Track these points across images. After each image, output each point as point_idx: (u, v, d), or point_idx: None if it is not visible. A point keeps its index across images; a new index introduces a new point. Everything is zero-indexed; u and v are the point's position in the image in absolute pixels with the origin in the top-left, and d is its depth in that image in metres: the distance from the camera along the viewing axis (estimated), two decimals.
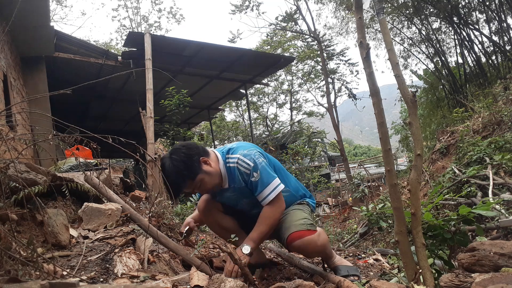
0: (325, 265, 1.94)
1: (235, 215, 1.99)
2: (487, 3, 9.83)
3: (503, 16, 9.50)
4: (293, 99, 21.93)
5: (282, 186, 1.71)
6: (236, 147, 1.79)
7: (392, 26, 12.41)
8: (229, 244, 1.61)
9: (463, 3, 10.32)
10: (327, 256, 1.87)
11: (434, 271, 1.39)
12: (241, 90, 10.02)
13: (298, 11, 15.63)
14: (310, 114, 21.74)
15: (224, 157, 1.79)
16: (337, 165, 23.11)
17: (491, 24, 10.12)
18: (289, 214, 1.81)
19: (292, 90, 21.47)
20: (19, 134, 2.81)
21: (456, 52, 10.87)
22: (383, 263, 2.45)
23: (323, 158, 23.23)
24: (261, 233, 1.70)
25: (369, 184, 12.20)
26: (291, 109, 21.97)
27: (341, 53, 17.76)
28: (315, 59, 18.08)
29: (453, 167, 5.03)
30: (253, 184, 1.70)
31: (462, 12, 10.24)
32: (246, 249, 1.66)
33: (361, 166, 18.04)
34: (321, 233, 1.74)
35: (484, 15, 10.25)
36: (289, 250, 1.88)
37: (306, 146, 13.98)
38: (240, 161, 1.69)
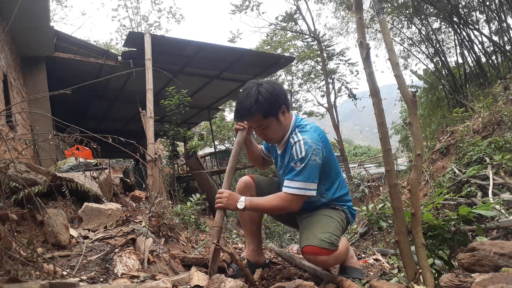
0: None
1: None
2: (487, 3, 9.83)
3: (503, 16, 9.50)
4: (293, 99, 21.93)
5: (309, 193, 1.63)
6: (307, 130, 1.70)
7: (392, 26, 12.41)
8: (229, 244, 1.61)
9: (463, 3, 10.32)
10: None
11: (434, 271, 1.39)
12: (241, 90, 10.01)
13: (298, 11, 15.63)
14: (310, 114, 21.73)
15: (294, 128, 1.74)
16: None
17: (491, 24, 10.13)
18: (317, 217, 1.75)
19: (292, 90, 21.46)
20: (19, 134, 2.81)
21: (456, 52, 10.88)
22: (383, 263, 2.45)
23: None
24: (259, 205, 1.68)
25: (369, 184, 12.21)
26: (291, 109, 21.93)
27: (341, 53, 17.76)
28: (315, 59, 18.07)
29: (453, 167, 5.03)
30: (290, 168, 1.65)
31: (462, 12, 10.24)
32: (241, 204, 1.65)
33: (361, 166, 18.05)
34: (339, 254, 1.67)
35: (484, 15, 10.25)
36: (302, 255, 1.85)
37: None
38: (298, 143, 1.63)
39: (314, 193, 1.64)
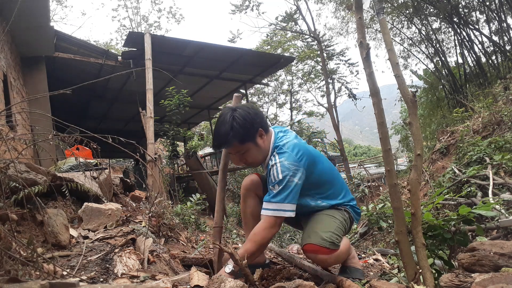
0: None
1: None
2: (487, 3, 9.84)
3: (503, 16, 9.50)
4: (293, 99, 21.93)
5: (286, 214, 1.61)
6: (284, 152, 1.66)
7: (392, 26, 12.41)
8: (229, 244, 1.61)
9: (463, 3, 10.33)
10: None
11: (434, 271, 1.39)
12: (241, 90, 10.02)
13: (298, 11, 15.63)
14: (310, 114, 21.73)
15: (273, 149, 1.72)
16: (337, 165, 23.10)
17: (491, 24, 10.13)
18: (320, 216, 1.74)
19: (292, 90, 21.47)
20: (19, 134, 2.81)
21: (456, 52, 10.88)
22: (383, 263, 2.45)
23: None
24: (247, 251, 1.57)
25: (369, 184, 12.21)
26: (291, 109, 21.97)
27: (341, 53, 17.76)
28: (315, 59, 18.07)
29: (453, 167, 5.03)
30: (269, 190, 1.65)
31: (462, 12, 10.25)
32: (228, 268, 1.56)
33: (361, 166, 18.05)
34: (340, 254, 1.66)
35: (484, 15, 10.25)
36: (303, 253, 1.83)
37: None
38: (275, 167, 1.62)
39: (291, 214, 1.62)
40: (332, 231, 1.65)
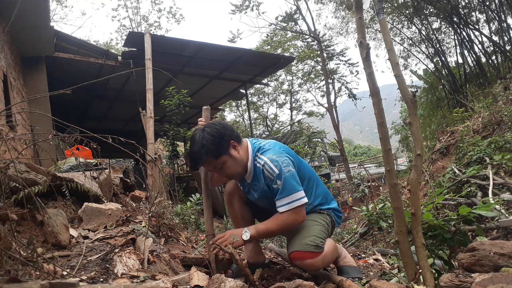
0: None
1: (255, 208, 1.99)
2: (487, 3, 9.84)
3: (503, 16, 9.50)
4: (293, 99, 21.94)
5: (305, 200, 1.65)
6: (267, 149, 1.74)
7: (392, 26, 12.41)
8: (229, 245, 1.61)
9: (463, 3, 10.33)
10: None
11: (434, 271, 1.39)
12: (241, 90, 10.02)
13: (298, 11, 15.63)
14: (310, 114, 21.74)
15: (254, 154, 1.76)
16: (337, 165, 23.11)
17: (491, 24, 10.13)
18: (302, 224, 1.75)
19: (292, 90, 21.46)
20: (19, 134, 2.81)
21: (456, 52, 10.88)
22: (383, 263, 2.45)
23: (323, 158, 23.22)
24: (267, 229, 1.68)
25: (369, 184, 12.20)
26: (291, 109, 21.97)
27: (341, 53, 17.76)
28: (315, 59, 18.07)
29: (453, 167, 5.03)
30: (275, 190, 1.67)
31: (462, 12, 10.25)
32: (246, 235, 1.66)
33: (361, 166, 18.05)
34: (326, 255, 1.69)
35: (484, 15, 10.26)
36: (290, 263, 1.86)
37: (306, 146, 13.97)
38: (266, 165, 1.66)
39: (305, 199, 1.66)
40: (314, 235, 1.68)
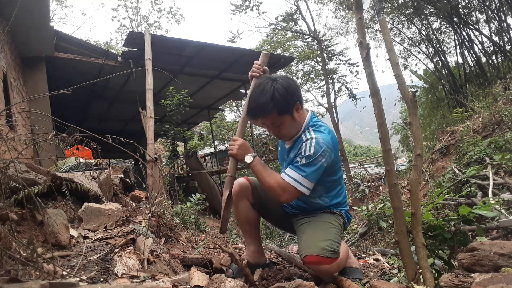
0: None
1: (261, 212, 1.96)
2: (487, 3, 9.84)
3: (503, 16, 9.50)
4: None
5: (302, 189, 1.61)
6: (321, 131, 1.67)
7: (392, 26, 12.41)
8: (229, 244, 1.61)
9: (463, 3, 10.33)
10: None
11: (434, 271, 1.39)
12: (241, 90, 10.01)
13: (298, 11, 15.62)
14: None
15: (308, 126, 1.72)
16: None
17: (491, 24, 10.13)
18: (316, 223, 1.72)
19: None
20: (19, 134, 2.81)
21: (456, 52, 10.88)
22: (383, 263, 2.45)
23: None
24: (259, 173, 1.66)
25: (369, 184, 12.20)
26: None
27: (341, 53, 17.75)
28: (315, 59, 18.06)
29: (453, 167, 5.03)
30: (294, 160, 1.65)
31: (462, 12, 10.25)
32: (248, 158, 1.67)
33: (361, 166, 18.05)
34: (341, 260, 1.66)
35: (484, 15, 10.26)
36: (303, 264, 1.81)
37: None
38: (310, 141, 1.61)
39: (306, 191, 1.62)
40: (331, 239, 1.63)
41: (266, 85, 1.62)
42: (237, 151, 1.70)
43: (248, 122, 1.90)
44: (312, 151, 1.59)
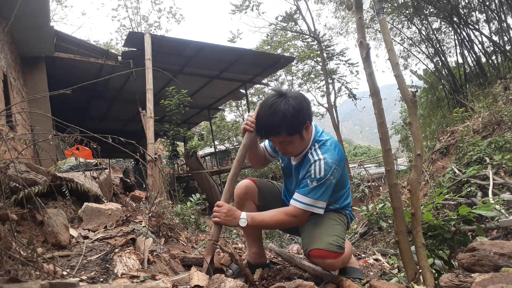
0: None
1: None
2: (487, 3, 9.84)
3: (503, 16, 9.50)
4: None
5: (316, 211, 1.62)
6: (327, 148, 1.65)
7: (392, 26, 12.41)
8: (229, 245, 1.61)
9: (463, 3, 10.33)
10: None
11: (434, 271, 1.39)
12: (241, 90, 10.02)
13: (298, 11, 15.62)
14: None
15: (313, 143, 1.69)
16: None
17: (491, 24, 10.13)
18: (322, 220, 1.71)
19: (292, 90, 21.40)
20: (19, 134, 2.81)
21: (456, 52, 10.88)
22: (383, 263, 2.45)
23: None
24: (263, 222, 1.65)
25: (369, 184, 12.21)
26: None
27: (341, 53, 17.75)
28: (315, 59, 18.06)
29: (453, 167, 5.03)
30: (304, 183, 1.63)
31: (462, 12, 10.25)
32: (243, 222, 1.61)
33: (361, 166, 18.05)
34: (345, 256, 1.67)
35: (484, 15, 10.26)
36: (307, 258, 1.81)
37: None
38: (319, 163, 1.60)
39: (321, 211, 1.64)
40: (337, 235, 1.64)
41: (278, 105, 1.58)
42: (225, 219, 1.63)
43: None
44: (322, 173, 1.58)
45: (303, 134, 1.64)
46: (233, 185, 1.78)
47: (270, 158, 1.99)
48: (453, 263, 1.54)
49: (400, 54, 13.82)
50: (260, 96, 21.25)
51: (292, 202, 1.64)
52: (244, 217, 1.63)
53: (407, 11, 11.49)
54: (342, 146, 15.04)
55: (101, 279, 1.38)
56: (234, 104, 20.82)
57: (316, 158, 1.62)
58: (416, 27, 11.87)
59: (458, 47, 10.63)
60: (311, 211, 1.62)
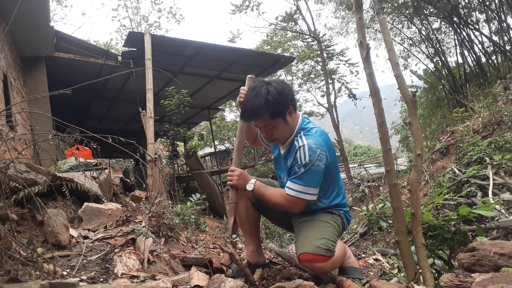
0: None
1: (261, 211, 1.98)
2: (487, 3, 9.84)
3: (503, 16, 9.50)
4: None
5: (308, 197, 1.64)
6: (312, 135, 1.68)
7: (392, 26, 12.41)
8: (229, 245, 1.61)
9: (463, 3, 10.33)
10: None
11: (434, 271, 1.39)
12: (247, 89, 10.01)
13: (298, 11, 15.63)
14: (310, 114, 21.72)
15: (299, 130, 1.73)
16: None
17: (491, 24, 10.13)
18: (312, 223, 1.73)
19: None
20: (19, 134, 2.81)
21: (456, 52, 10.88)
22: (383, 263, 2.45)
23: None
24: (265, 195, 1.73)
25: (369, 184, 12.21)
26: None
27: (341, 53, 17.75)
28: (315, 59, 18.06)
29: (453, 167, 5.03)
30: (293, 171, 1.67)
31: (462, 12, 10.25)
32: (250, 186, 1.73)
33: (361, 166, 18.05)
34: (336, 259, 1.66)
35: (484, 15, 10.25)
36: (299, 263, 1.83)
37: None
38: (303, 148, 1.62)
39: (313, 197, 1.66)
40: (326, 238, 1.65)
41: (260, 88, 1.64)
42: (237, 181, 1.75)
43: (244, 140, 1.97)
44: (307, 159, 1.61)
45: (286, 119, 1.68)
46: (241, 154, 1.93)
47: (261, 142, 2.05)
48: (453, 263, 1.54)
49: (400, 54, 13.82)
50: None
51: (285, 190, 1.68)
52: (252, 182, 1.74)
53: (407, 11, 11.49)
54: (342, 146, 15.10)
55: (101, 279, 1.38)
56: (234, 104, 20.82)
57: (301, 144, 1.65)
58: (416, 27, 11.87)
59: (458, 47, 10.63)
60: (303, 198, 1.64)
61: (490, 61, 9.94)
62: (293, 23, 16.41)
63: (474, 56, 10.31)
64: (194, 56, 7.25)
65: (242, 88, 1.86)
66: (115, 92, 8.68)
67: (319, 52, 15.79)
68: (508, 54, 9.29)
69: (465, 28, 10.14)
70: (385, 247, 3.90)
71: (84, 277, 1.33)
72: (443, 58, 11.17)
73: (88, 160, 3.50)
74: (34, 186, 1.72)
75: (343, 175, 16.67)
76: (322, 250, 1.59)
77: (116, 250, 1.68)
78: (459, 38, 10.35)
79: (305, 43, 18.05)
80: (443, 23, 11.42)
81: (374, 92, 1.36)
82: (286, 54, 15.07)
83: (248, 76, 1.92)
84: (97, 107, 9.73)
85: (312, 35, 15.74)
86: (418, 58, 13.41)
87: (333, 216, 1.79)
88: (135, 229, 2.10)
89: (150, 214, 2.38)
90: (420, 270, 1.27)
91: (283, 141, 1.78)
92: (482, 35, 10.02)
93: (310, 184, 1.63)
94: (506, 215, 2.67)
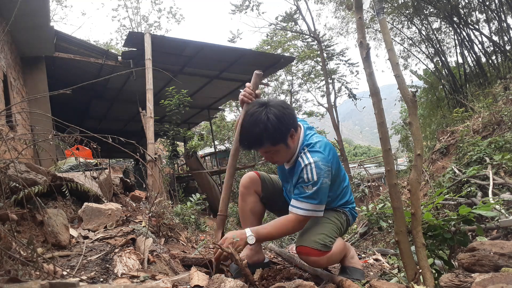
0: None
1: (268, 205, 1.97)
2: (487, 3, 9.84)
3: (503, 16, 9.50)
4: (293, 99, 21.90)
5: (319, 214, 1.63)
6: (316, 151, 1.62)
7: (392, 26, 12.42)
8: (230, 245, 1.61)
9: (463, 3, 10.33)
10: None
11: (434, 271, 1.39)
12: (241, 90, 9.99)
13: (298, 11, 15.61)
14: (310, 114, 21.71)
15: (302, 146, 1.67)
16: None
17: (491, 24, 10.13)
18: (316, 218, 1.72)
19: (292, 90, 21.43)
20: (19, 134, 2.81)
21: (456, 52, 10.89)
22: (383, 263, 2.45)
23: None
24: (269, 235, 1.65)
25: (369, 184, 12.21)
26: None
27: (341, 53, 17.75)
28: (315, 59, 18.06)
29: (453, 167, 5.03)
30: (299, 190, 1.62)
31: (462, 12, 10.25)
32: (251, 239, 1.59)
33: (361, 166, 18.06)
34: (332, 255, 1.67)
35: (484, 15, 10.26)
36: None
37: None
38: (310, 167, 1.57)
39: (321, 214, 1.66)
40: (325, 233, 1.67)
41: (259, 115, 1.56)
42: (236, 246, 1.57)
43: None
44: (315, 177, 1.56)
45: (288, 143, 1.62)
46: (230, 189, 1.81)
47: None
48: (453, 263, 1.54)
49: (400, 54, 13.83)
50: (260, 96, 21.22)
51: (293, 210, 1.64)
52: (251, 234, 1.60)
53: (407, 11, 11.49)
54: (342, 146, 15.10)
55: (101, 279, 1.38)
56: (234, 104, 20.82)
57: (306, 162, 1.60)
58: (416, 27, 11.88)
59: (458, 47, 10.64)
60: (313, 215, 1.63)
61: (490, 61, 9.95)
62: (293, 23, 16.41)
63: (474, 56, 10.32)
64: (194, 56, 7.25)
65: (247, 84, 1.78)
66: (115, 92, 8.68)
67: (319, 52, 15.78)
68: (508, 54, 9.30)
69: (465, 28, 10.14)
70: (385, 247, 3.90)
71: (84, 277, 1.33)
72: (443, 58, 11.18)
73: (88, 160, 3.50)
74: (34, 186, 1.72)
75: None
76: (318, 245, 1.61)
77: (116, 250, 1.68)
78: (459, 38, 10.35)
79: (305, 43, 18.04)
80: (443, 23, 11.43)
81: (374, 92, 1.36)
82: (286, 54, 15.07)
83: (255, 72, 1.80)
84: (97, 107, 9.74)
85: (312, 35, 15.72)
86: (418, 58, 13.43)
87: (337, 213, 1.81)
88: (135, 229, 2.10)
89: (150, 214, 2.38)
90: (420, 270, 1.27)
91: (285, 162, 1.75)
92: (482, 35, 10.04)
93: (323, 202, 1.62)
94: (506, 215, 2.68)
